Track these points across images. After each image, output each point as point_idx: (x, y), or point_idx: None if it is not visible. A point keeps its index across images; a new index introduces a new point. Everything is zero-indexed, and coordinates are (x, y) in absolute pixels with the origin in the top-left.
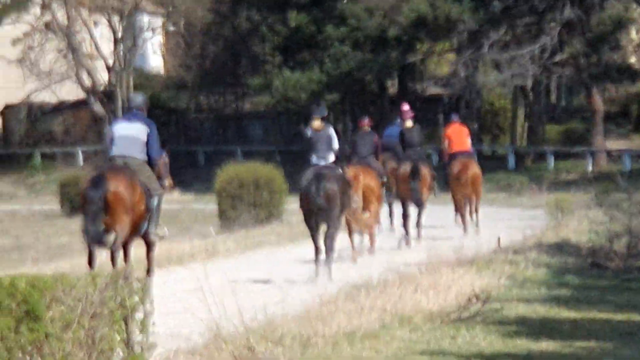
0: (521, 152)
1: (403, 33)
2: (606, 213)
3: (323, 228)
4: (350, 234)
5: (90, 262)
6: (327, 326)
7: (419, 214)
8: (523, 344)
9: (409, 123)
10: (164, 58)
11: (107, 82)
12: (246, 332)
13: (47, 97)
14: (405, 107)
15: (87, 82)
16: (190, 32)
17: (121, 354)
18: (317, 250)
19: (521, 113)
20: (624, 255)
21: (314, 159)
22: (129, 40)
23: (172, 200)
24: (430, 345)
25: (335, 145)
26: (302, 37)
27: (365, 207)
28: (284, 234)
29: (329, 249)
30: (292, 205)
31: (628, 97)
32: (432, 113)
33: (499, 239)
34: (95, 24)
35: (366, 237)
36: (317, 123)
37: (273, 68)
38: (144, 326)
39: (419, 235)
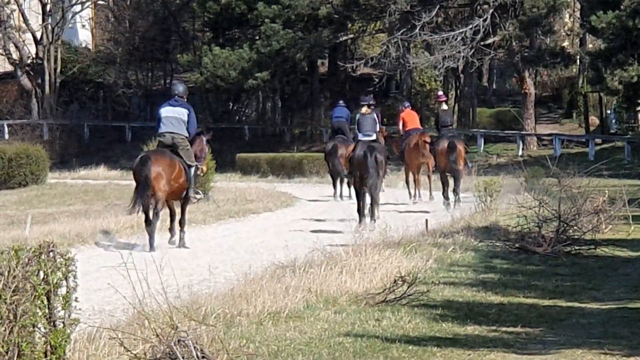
0: None
1: (334, 12)
2: (535, 198)
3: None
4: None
5: (147, 220)
6: (252, 306)
7: (456, 184)
8: (449, 328)
9: (444, 106)
10: (92, 32)
11: (35, 56)
12: (170, 310)
13: None
14: (440, 92)
15: (15, 55)
16: (120, 6)
17: (43, 329)
18: (360, 209)
19: (452, 95)
20: (553, 240)
21: (360, 135)
22: (57, 13)
23: (99, 176)
24: (354, 327)
25: (377, 126)
26: (233, 14)
27: None
28: (211, 212)
29: (374, 206)
30: (219, 183)
31: (560, 81)
32: (362, 93)
33: (426, 221)
34: None
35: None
36: (364, 109)
37: (203, 45)
38: (66, 302)
39: (455, 201)
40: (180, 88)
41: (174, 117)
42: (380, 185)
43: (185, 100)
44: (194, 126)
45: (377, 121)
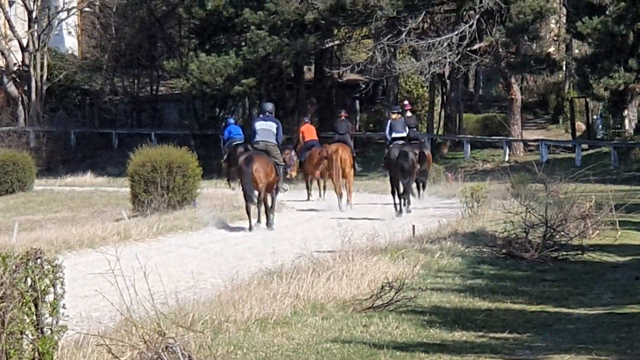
0: (437, 141)
1: (321, 18)
2: (522, 203)
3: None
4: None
5: (248, 212)
6: (239, 312)
7: (421, 185)
8: (436, 334)
9: (408, 114)
10: (78, 39)
11: (21, 63)
12: (157, 317)
13: None
14: (406, 102)
15: (1, 62)
16: (106, 13)
17: (31, 336)
18: (395, 199)
19: (438, 101)
20: (540, 246)
21: (393, 134)
22: (43, 20)
23: (85, 183)
24: (342, 333)
25: (407, 127)
26: (219, 21)
27: (343, 173)
28: (197, 218)
29: (407, 198)
30: (206, 189)
31: (546, 87)
32: (348, 99)
33: (413, 227)
34: (10, 3)
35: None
36: (395, 115)
37: (189, 51)
38: (54, 308)
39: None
40: (269, 106)
41: (266, 129)
42: (412, 180)
43: (273, 115)
44: (280, 136)
45: (405, 123)
